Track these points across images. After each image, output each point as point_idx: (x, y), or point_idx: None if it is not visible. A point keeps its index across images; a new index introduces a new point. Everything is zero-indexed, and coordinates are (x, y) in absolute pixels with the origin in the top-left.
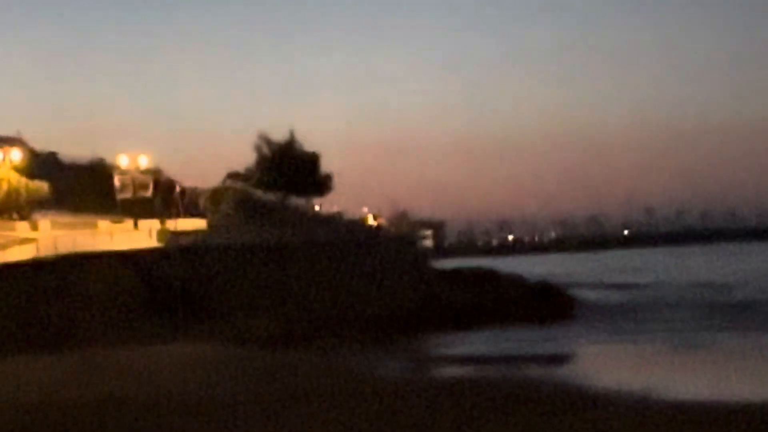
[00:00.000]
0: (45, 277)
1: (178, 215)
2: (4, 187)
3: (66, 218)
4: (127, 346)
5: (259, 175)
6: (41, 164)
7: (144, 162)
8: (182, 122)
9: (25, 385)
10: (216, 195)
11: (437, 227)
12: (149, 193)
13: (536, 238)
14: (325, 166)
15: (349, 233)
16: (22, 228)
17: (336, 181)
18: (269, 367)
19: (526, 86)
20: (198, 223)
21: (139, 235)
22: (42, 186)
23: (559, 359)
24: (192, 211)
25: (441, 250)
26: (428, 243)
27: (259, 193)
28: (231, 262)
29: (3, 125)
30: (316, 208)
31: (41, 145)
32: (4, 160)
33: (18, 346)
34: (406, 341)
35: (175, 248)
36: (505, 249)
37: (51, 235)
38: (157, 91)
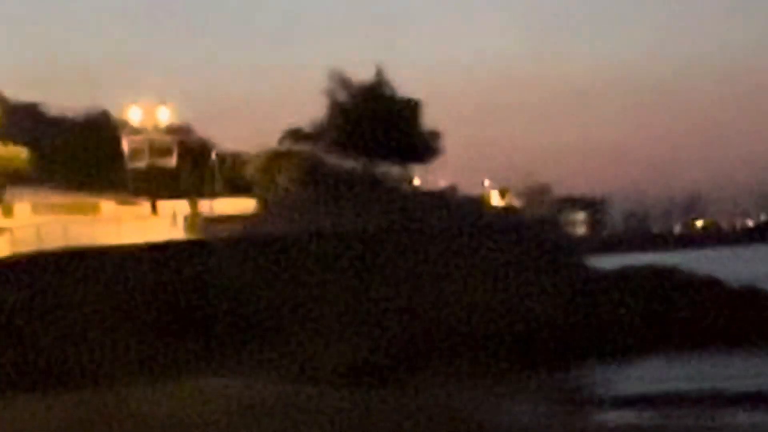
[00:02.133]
0: (24, 284)
1: (214, 193)
2: None
3: (54, 198)
4: (146, 383)
5: (334, 134)
6: (18, 121)
7: (165, 116)
8: (219, 60)
9: None
10: (270, 163)
11: (595, 207)
12: (172, 161)
13: (737, 225)
14: (429, 122)
15: (463, 217)
16: None
17: (444, 143)
18: (350, 414)
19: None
20: (244, 204)
21: (159, 223)
22: (19, 152)
23: None
24: (235, 187)
25: (601, 239)
26: (581, 230)
27: (333, 160)
28: (293, 260)
29: None
30: (416, 181)
31: (18, 95)
32: None
33: None
34: (545, 374)
35: (212, 241)
36: (692, 239)
37: (32, 223)
38: (182, 18)
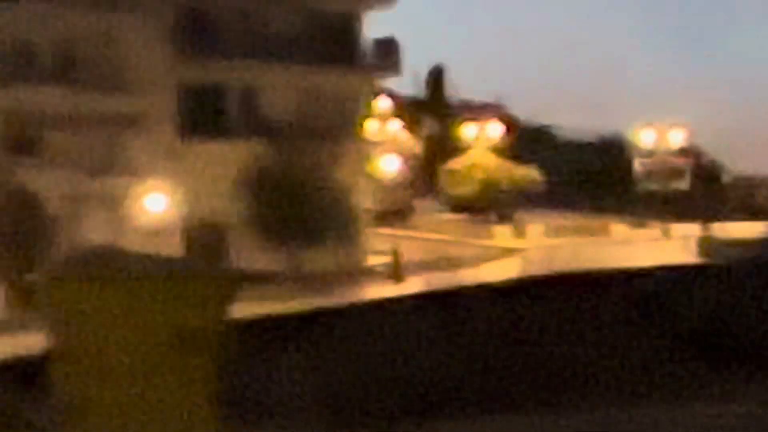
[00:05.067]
0: (535, 305)
1: (725, 216)
2: (478, 174)
3: (565, 220)
4: (649, 405)
5: None
6: (530, 143)
7: (677, 139)
8: (736, 76)
9: None
10: None
11: None
12: (685, 184)
13: None
14: None
15: None
16: (502, 234)
17: None
18: None
19: None
20: (756, 228)
21: (671, 245)
22: (531, 174)
23: None
24: (747, 210)
25: None
26: None
27: None
28: None
29: (474, 86)
30: None
31: (531, 118)
32: (477, 136)
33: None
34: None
35: (724, 265)
36: None
37: (543, 245)
38: (697, 35)
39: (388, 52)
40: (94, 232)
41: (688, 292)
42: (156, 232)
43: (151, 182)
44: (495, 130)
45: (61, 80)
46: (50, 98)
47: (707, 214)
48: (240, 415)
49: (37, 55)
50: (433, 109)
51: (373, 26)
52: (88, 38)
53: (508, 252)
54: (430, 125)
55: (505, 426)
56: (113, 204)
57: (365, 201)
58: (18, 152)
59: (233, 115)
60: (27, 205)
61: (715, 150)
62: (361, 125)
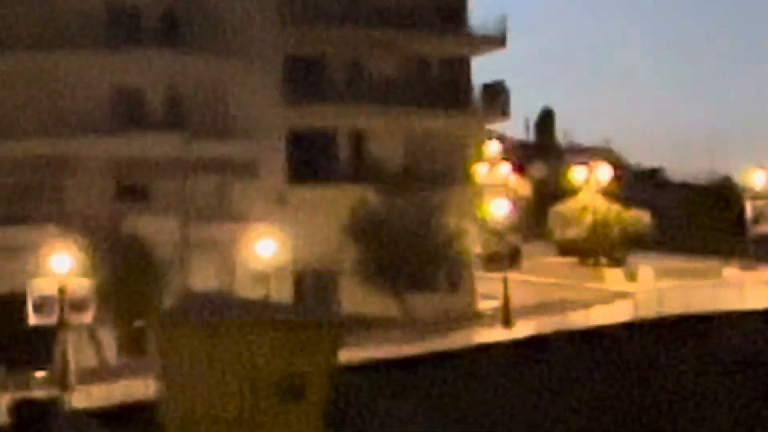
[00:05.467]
0: (644, 347)
1: None
2: (588, 218)
3: (675, 262)
4: None
5: None
6: (641, 186)
7: None
8: None
9: None
10: None
11: None
12: None
13: None
14: None
15: None
16: (613, 277)
17: None
18: None
19: None
20: None
21: None
22: (642, 217)
23: None
24: None
25: None
26: None
27: None
28: None
29: (583, 129)
30: None
31: (641, 161)
32: (587, 180)
33: None
34: None
35: None
36: None
37: (654, 287)
38: None
39: (496, 96)
40: (204, 277)
41: None
42: (265, 278)
43: (260, 227)
44: (604, 172)
45: (171, 127)
46: (161, 145)
47: None
48: None
49: (148, 102)
50: (542, 153)
51: (482, 70)
52: (199, 85)
53: (619, 295)
54: (539, 168)
55: None
56: (223, 249)
57: (474, 245)
58: (129, 199)
59: (342, 160)
60: (137, 251)
61: None
62: (470, 169)
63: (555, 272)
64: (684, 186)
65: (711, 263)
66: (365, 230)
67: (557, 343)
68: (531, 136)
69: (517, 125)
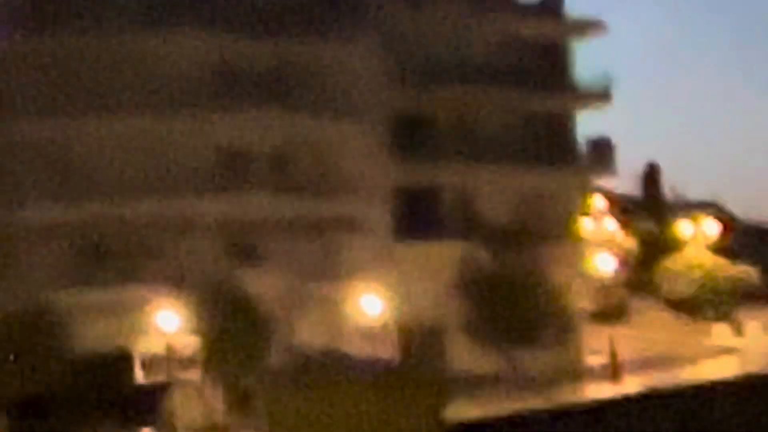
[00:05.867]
0: (755, 402)
1: None
2: (695, 272)
3: None
4: None
5: None
6: (749, 241)
7: None
8: None
9: None
10: None
11: None
12: None
13: None
14: None
15: None
16: (720, 332)
17: None
18: None
19: None
20: None
21: None
22: (749, 272)
23: None
24: None
25: None
26: None
27: None
28: None
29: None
30: None
31: (749, 215)
32: (694, 234)
33: None
34: None
35: None
36: None
37: (762, 343)
38: None
39: (602, 152)
40: (310, 335)
41: None
42: (372, 335)
43: (366, 284)
44: (711, 227)
45: (276, 186)
46: (266, 204)
47: None
48: None
49: (253, 161)
50: (649, 207)
51: (588, 125)
52: (304, 143)
53: (727, 350)
54: (645, 223)
55: None
56: (329, 307)
57: (581, 300)
58: (237, 257)
59: (448, 217)
60: (245, 309)
61: None
62: (576, 224)
63: (663, 327)
64: None
65: None
66: (471, 286)
67: (668, 399)
68: (638, 191)
69: (624, 179)
